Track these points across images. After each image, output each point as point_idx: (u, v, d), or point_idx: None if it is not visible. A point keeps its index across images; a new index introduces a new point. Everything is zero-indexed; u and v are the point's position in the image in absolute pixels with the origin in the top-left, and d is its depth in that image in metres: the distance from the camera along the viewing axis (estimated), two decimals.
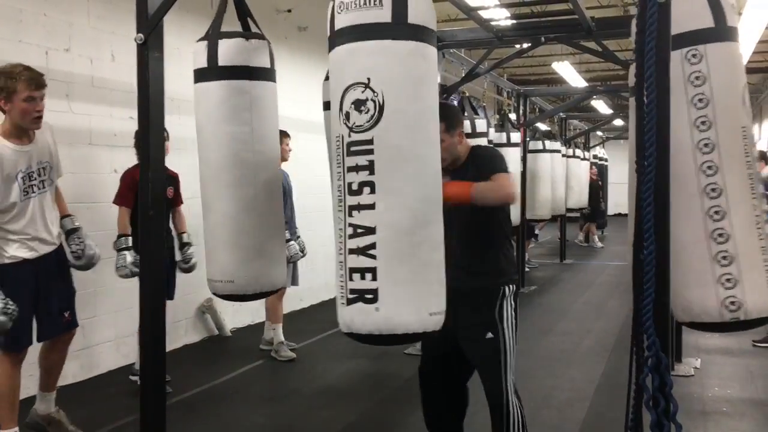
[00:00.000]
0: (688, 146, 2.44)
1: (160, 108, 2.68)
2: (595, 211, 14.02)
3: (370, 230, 2.18)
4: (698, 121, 2.43)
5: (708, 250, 2.42)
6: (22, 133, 3.43)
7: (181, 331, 5.92)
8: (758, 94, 17.90)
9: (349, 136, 2.20)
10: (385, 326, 2.18)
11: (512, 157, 7.88)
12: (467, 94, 6.24)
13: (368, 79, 2.17)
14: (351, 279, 2.19)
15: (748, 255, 2.41)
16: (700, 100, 2.43)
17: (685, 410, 4.33)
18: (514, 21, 6.65)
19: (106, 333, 5.16)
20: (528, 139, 9.32)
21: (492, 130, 7.14)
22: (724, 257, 2.40)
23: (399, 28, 2.21)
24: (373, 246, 2.18)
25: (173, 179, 4.59)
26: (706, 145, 2.42)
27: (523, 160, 8.40)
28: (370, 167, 2.18)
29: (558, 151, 10.24)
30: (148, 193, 2.66)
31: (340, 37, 2.21)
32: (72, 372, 4.76)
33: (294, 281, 5.60)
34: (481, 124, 6.11)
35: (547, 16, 6.43)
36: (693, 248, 2.44)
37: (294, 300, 7.06)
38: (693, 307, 2.49)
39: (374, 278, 2.17)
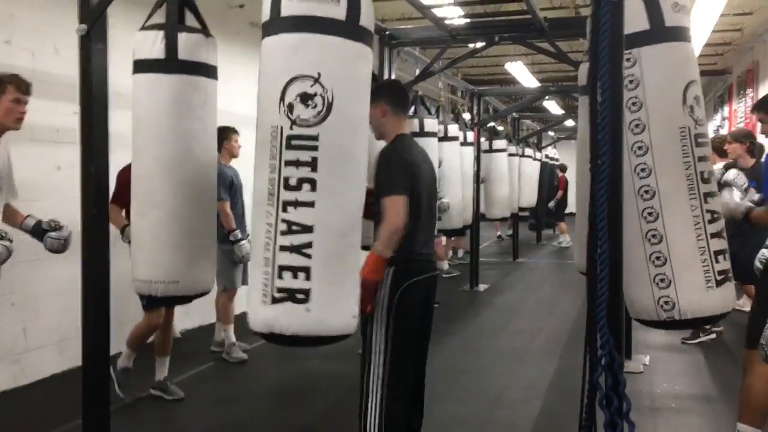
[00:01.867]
0: (625, 147, 2.47)
1: (103, 101, 2.61)
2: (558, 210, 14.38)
3: (307, 228, 2.12)
4: (632, 125, 2.48)
5: (644, 250, 2.47)
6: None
7: (128, 332, 5.75)
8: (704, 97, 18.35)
9: (291, 128, 2.13)
10: (314, 328, 2.14)
11: (467, 157, 7.94)
12: (420, 93, 6.24)
13: (319, 73, 2.13)
14: (280, 277, 2.11)
15: (681, 256, 2.45)
16: (634, 104, 2.47)
17: (634, 407, 4.25)
18: (468, 20, 6.69)
19: (48, 336, 4.99)
20: (483, 139, 9.40)
21: (443, 128, 7.16)
22: (658, 258, 2.46)
23: (352, 28, 2.19)
24: (309, 245, 2.12)
25: None
26: (639, 147, 2.46)
27: (477, 159, 8.45)
28: (312, 164, 2.12)
29: (505, 151, 10.37)
30: (92, 190, 2.56)
31: (286, 24, 2.15)
32: (6, 378, 4.58)
33: (245, 281, 5.49)
34: (430, 124, 6.11)
35: (501, 16, 6.49)
36: (632, 248, 2.48)
37: (245, 300, 6.94)
38: (635, 306, 2.55)
39: (308, 278, 2.12)
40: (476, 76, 14.52)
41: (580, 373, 2.21)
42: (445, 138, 7.01)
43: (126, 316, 5.36)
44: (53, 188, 4.52)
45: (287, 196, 2.13)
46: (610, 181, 2.08)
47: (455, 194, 7.04)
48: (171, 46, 2.75)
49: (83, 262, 2.63)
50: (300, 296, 2.12)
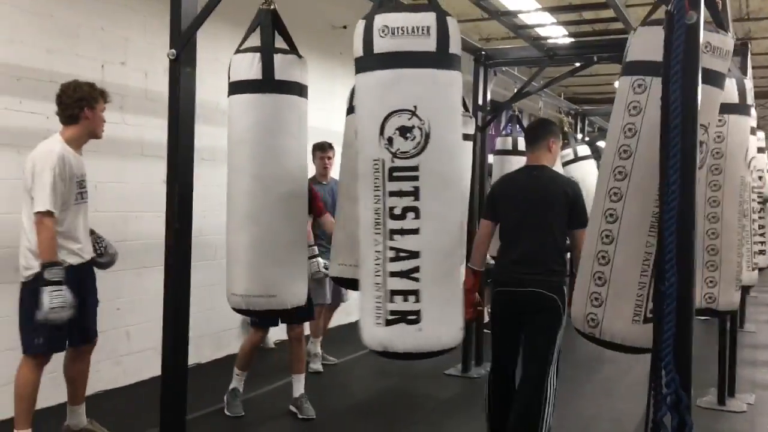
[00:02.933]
0: (608, 169, 2.52)
1: (190, 123, 2.74)
2: None
3: (414, 254, 2.24)
4: (621, 149, 2.47)
5: (591, 267, 2.53)
6: (82, 144, 3.63)
7: (225, 340, 5.99)
8: None
9: (392, 161, 2.23)
10: (426, 344, 2.28)
11: (587, 169, 7.64)
12: (516, 112, 6.16)
13: (415, 106, 2.21)
14: (392, 301, 2.25)
15: (621, 283, 2.45)
16: (630, 130, 2.46)
17: None
18: (572, 39, 6.55)
19: (149, 340, 5.27)
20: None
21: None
22: (599, 278, 2.51)
23: (443, 57, 2.25)
24: (416, 269, 2.24)
25: None
26: (620, 172, 2.48)
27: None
28: (414, 193, 2.22)
29: None
30: (175, 206, 2.70)
31: (380, 61, 2.23)
32: (108, 378, 4.86)
33: (342, 298, 5.62)
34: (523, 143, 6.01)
35: (604, 35, 6.31)
36: (585, 262, 2.59)
37: (341, 314, 7.07)
38: (575, 313, 2.62)
39: (417, 300, 2.24)
40: (585, 95, 14.16)
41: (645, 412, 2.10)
42: None
43: (202, 330, 5.62)
44: (157, 201, 4.79)
45: (393, 224, 2.24)
46: (680, 212, 1.99)
47: None
48: (267, 67, 2.86)
49: (166, 276, 2.76)
50: (412, 317, 2.25)
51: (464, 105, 5.20)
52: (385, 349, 2.31)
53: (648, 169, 2.41)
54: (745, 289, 4.49)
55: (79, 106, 3.52)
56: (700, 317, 3.02)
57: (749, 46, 4.85)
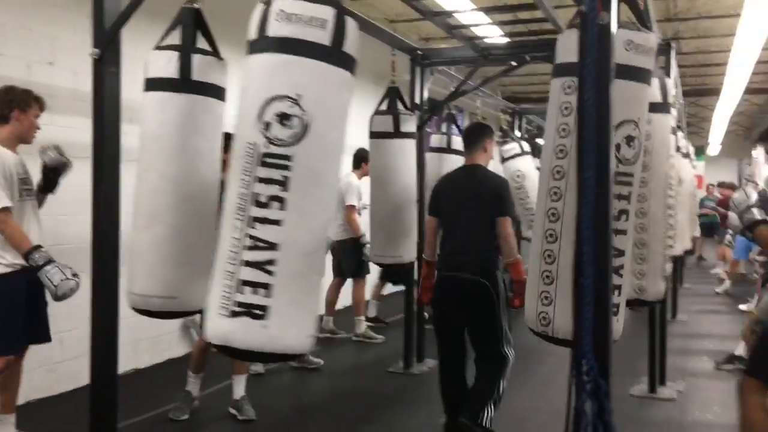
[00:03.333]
0: (547, 168, 2.58)
1: (116, 123, 2.69)
2: None
3: (272, 246, 2.14)
4: (558, 149, 2.54)
5: (539, 266, 2.59)
6: (14, 145, 3.61)
7: (165, 344, 5.90)
8: (764, 114, 17.82)
9: (266, 147, 2.15)
10: (268, 344, 2.15)
11: (528, 164, 7.82)
12: (452, 111, 6.25)
13: (299, 95, 2.16)
14: (240, 291, 2.13)
15: (568, 281, 2.46)
16: (564, 129, 2.53)
17: None
18: (507, 39, 6.67)
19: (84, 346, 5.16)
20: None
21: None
22: (548, 276, 2.57)
23: (336, 53, 2.21)
24: (272, 262, 2.14)
25: None
26: (558, 171, 2.54)
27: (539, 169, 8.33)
28: (284, 183, 2.14)
29: None
30: (101, 208, 2.66)
31: (272, 43, 2.18)
32: (43, 386, 4.74)
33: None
34: (458, 141, 6.12)
35: (539, 35, 6.44)
36: (533, 262, 2.64)
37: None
38: (528, 314, 2.68)
39: (268, 294, 2.13)
40: (524, 94, 14.44)
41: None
42: None
43: (143, 333, 5.53)
44: (89, 203, 4.68)
45: (256, 212, 2.14)
46: (597, 207, 2.06)
47: None
48: (185, 66, 2.81)
49: (93, 279, 2.71)
50: (258, 312, 2.13)
51: (404, 103, 5.27)
52: (225, 343, 2.17)
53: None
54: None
55: (9, 107, 3.53)
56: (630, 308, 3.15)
57: (672, 45, 5.05)
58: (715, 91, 12.72)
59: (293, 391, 5.22)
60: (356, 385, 5.41)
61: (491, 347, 3.83)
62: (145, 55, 2.86)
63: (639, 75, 2.62)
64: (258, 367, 5.45)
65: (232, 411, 4.44)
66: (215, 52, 2.97)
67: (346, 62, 2.23)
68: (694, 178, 9.77)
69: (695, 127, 18.33)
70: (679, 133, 6.54)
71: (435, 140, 6.33)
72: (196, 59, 2.84)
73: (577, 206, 2.09)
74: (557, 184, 2.52)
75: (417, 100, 5.58)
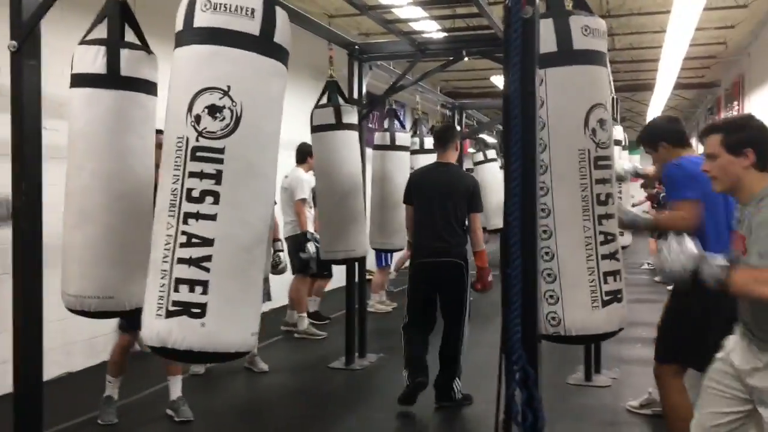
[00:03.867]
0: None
1: (35, 120, 2.61)
2: None
3: (208, 242, 2.09)
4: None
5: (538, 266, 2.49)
6: None
7: (99, 346, 5.73)
8: (694, 109, 18.44)
9: (197, 140, 2.11)
10: (208, 343, 2.10)
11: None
12: (394, 106, 6.27)
13: (228, 86, 2.13)
14: (176, 290, 2.08)
15: (571, 274, 2.48)
16: (538, 123, 2.45)
17: (595, 421, 4.39)
18: (445, 34, 6.71)
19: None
20: (474, 151, 9.39)
21: (429, 141, 7.21)
22: (549, 274, 2.50)
23: (265, 43, 2.18)
24: (208, 258, 2.09)
25: None
26: (540, 166, 2.44)
27: (469, 170, 8.46)
28: (216, 177, 2.10)
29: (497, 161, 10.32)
30: (21, 208, 2.57)
31: (199, 35, 2.14)
32: None
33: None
34: (402, 137, 6.15)
35: (478, 30, 6.50)
36: None
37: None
38: None
39: (205, 292, 2.08)
40: (465, 89, 14.58)
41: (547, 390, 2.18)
42: (421, 151, 7.04)
43: (74, 336, 5.38)
44: None
45: (189, 207, 2.09)
46: (523, 198, 2.09)
47: None
48: (113, 61, 2.74)
49: (14, 281, 2.61)
50: (195, 310, 2.07)
51: (343, 96, 5.25)
52: (163, 344, 2.10)
53: (568, 158, 2.45)
54: None
55: None
56: None
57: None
58: (648, 86, 13.08)
59: (234, 391, 5.15)
60: (298, 382, 5.37)
61: (458, 317, 4.49)
62: (71, 48, 2.77)
63: (599, 59, 2.63)
64: (198, 368, 5.36)
65: (169, 412, 4.35)
66: (144, 46, 2.90)
67: (277, 52, 2.20)
68: None
69: (631, 121, 18.83)
70: (618, 127, 6.71)
71: (378, 137, 6.34)
72: (125, 54, 2.77)
73: (504, 198, 2.12)
74: (542, 179, 2.44)
75: (355, 95, 5.56)
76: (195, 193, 2.09)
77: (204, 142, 2.11)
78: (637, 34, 10.36)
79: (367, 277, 6.63)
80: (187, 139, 2.11)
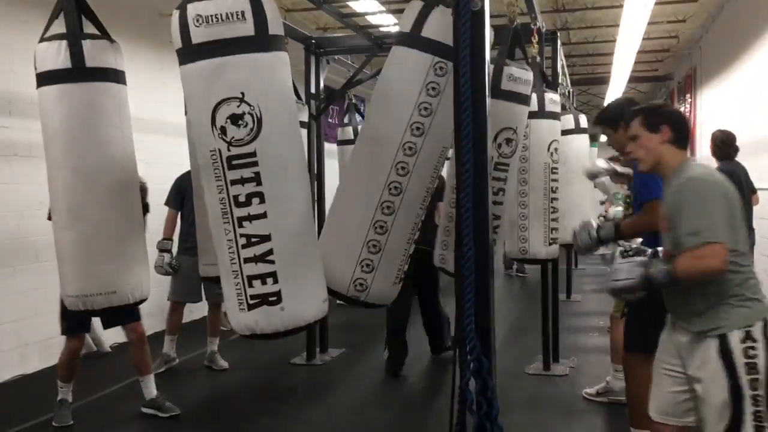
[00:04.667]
0: (396, 142, 2.66)
1: None
2: None
3: (265, 238, 2.25)
4: (414, 126, 2.63)
5: (365, 235, 2.71)
6: None
7: (54, 347, 5.60)
8: (649, 102, 18.75)
9: (228, 150, 2.20)
10: (290, 322, 2.31)
11: None
12: (353, 100, 6.27)
13: (242, 93, 2.19)
14: (251, 285, 2.26)
15: (393, 251, 2.73)
16: (426, 109, 2.62)
17: (553, 409, 4.46)
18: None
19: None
20: None
21: None
22: (374, 245, 2.72)
23: (263, 40, 2.23)
24: (270, 252, 2.25)
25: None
26: (410, 148, 2.64)
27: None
28: (256, 178, 2.22)
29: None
30: None
31: (199, 51, 2.18)
32: None
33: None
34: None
35: None
36: (353, 229, 2.77)
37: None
38: (333, 275, 2.72)
39: (275, 281, 2.27)
40: None
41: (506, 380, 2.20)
42: None
43: (29, 338, 5.27)
44: None
45: (240, 212, 2.23)
46: (475, 190, 2.10)
47: None
48: (76, 54, 2.69)
49: None
50: (272, 299, 2.27)
51: (296, 93, 5.22)
52: (253, 331, 2.33)
53: (437, 147, 2.56)
54: (545, 263, 5.01)
55: None
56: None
57: (557, 35, 5.24)
58: (604, 80, 13.30)
59: (195, 388, 5.10)
60: (259, 378, 5.35)
61: (433, 285, 5.48)
62: (18, 45, 2.71)
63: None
64: (156, 364, 5.29)
65: (149, 411, 4.31)
66: (105, 35, 2.85)
67: (275, 44, 2.26)
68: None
69: (588, 114, 19.11)
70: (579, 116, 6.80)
71: (341, 133, 6.33)
72: (87, 45, 2.73)
73: (456, 192, 2.13)
74: (406, 160, 2.63)
75: (312, 90, 5.54)
76: (241, 198, 2.23)
77: (235, 151, 2.21)
78: (592, 28, 10.52)
79: None
80: (220, 151, 2.22)
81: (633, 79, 12.84)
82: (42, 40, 2.76)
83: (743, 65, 8.27)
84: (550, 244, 4.46)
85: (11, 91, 2.75)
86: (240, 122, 2.20)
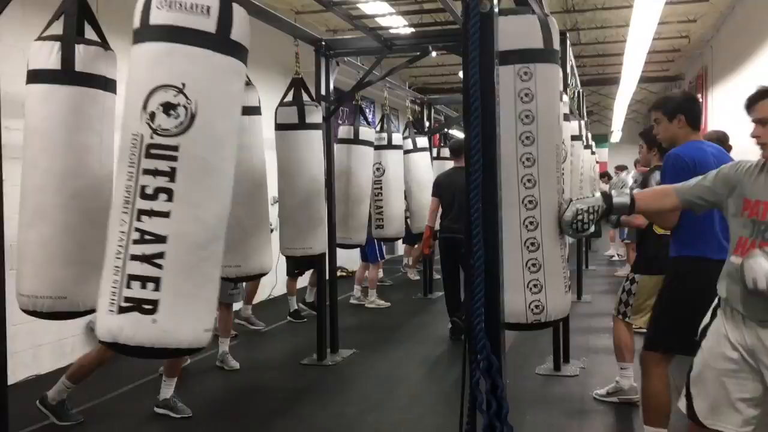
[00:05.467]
0: (512, 159, 2.52)
1: None
2: None
3: (161, 238, 2.10)
4: (523, 136, 2.51)
5: (521, 256, 2.51)
6: None
7: (68, 348, 5.67)
8: None
9: (151, 137, 2.12)
10: (159, 340, 2.11)
11: (423, 161, 8.03)
12: (359, 102, 6.29)
13: (183, 84, 2.13)
14: (128, 286, 2.09)
15: (551, 263, 2.52)
16: (527, 116, 2.50)
17: (564, 410, 4.46)
18: (413, 30, 6.74)
19: None
20: (443, 145, 9.46)
21: (396, 136, 7.27)
22: (534, 264, 2.51)
23: (222, 41, 2.18)
24: (161, 255, 2.10)
25: None
26: (528, 159, 2.49)
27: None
28: (170, 174, 2.11)
29: None
30: None
31: (154, 32, 2.14)
32: None
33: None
34: (366, 132, 6.18)
35: (445, 25, 6.54)
36: (510, 254, 2.51)
37: None
38: (512, 309, 2.55)
39: (157, 288, 2.09)
40: (434, 84, 14.63)
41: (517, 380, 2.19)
42: (389, 146, 7.07)
43: (42, 338, 5.31)
44: None
45: (142, 204, 2.11)
46: (484, 190, 2.12)
47: (397, 203, 7.13)
48: (67, 57, 2.71)
49: None
50: (147, 306, 2.09)
51: (309, 94, 5.25)
52: (115, 339, 2.12)
53: (550, 150, 2.50)
54: None
55: None
56: None
57: (567, 35, 5.24)
58: (614, 80, 13.26)
59: (205, 389, 5.13)
60: (269, 379, 5.37)
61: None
62: (25, 46, 2.74)
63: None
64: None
65: (161, 411, 4.34)
66: (102, 42, 2.88)
67: (234, 50, 2.21)
68: (595, 165, 10.19)
69: (599, 115, 19.07)
70: (581, 122, 6.79)
71: (342, 131, 6.35)
72: (80, 49, 2.75)
73: (466, 192, 2.15)
74: (530, 172, 2.46)
75: (323, 91, 5.56)
76: (149, 190, 2.10)
77: (158, 140, 2.11)
78: (602, 28, 10.50)
79: (340, 273, 6.67)
80: (142, 137, 2.12)
81: (644, 80, 12.79)
82: (38, 38, 2.78)
83: (754, 65, 8.23)
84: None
85: (22, 93, 2.78)
86: (172, 112, 2.11)
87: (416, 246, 9.65)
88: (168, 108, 2.11)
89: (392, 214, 7.03)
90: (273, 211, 5.54)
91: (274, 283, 8.24)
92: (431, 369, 5.54)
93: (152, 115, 2.11)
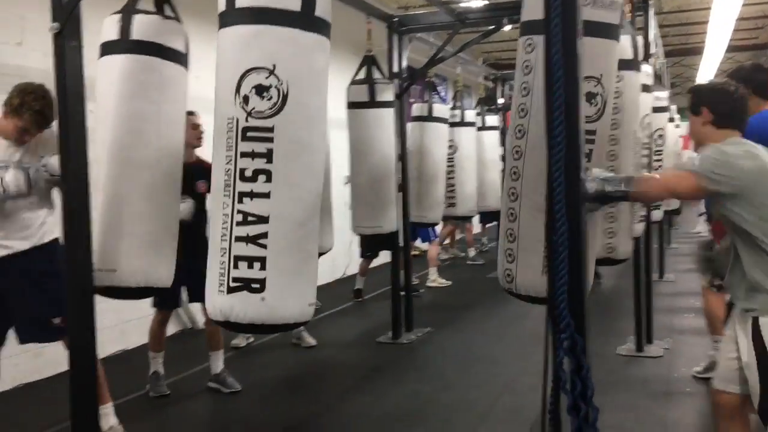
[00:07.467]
0: (512, 128, 2.52)
1: (79, 100, 2.63)
2: None
3: (263, 219, 2.14)
4: (519, 108, 2.48)
5: (504, 224, 2.56)
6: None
7: (130, 332, 5.84)
8: None
9: (246, 120, 2.15)
10: (268, 316, 2.17)
11: (490, 139, 7.92)
12: (431, 79, 6.21)
13: (273, 65, 2.15)
14: (236, 267, 2.15)
15: (527, 237, 2.50)
16: (525, 89, 2.46)
17: (649, 391, 4.32)
18: (486, 2, 6.58)
19: None
20: None
21: (469, 113, 7.17)
22: (510, 234, 2.54)
23: (307, 19, 2.18)
24: (264, 235, 2.14)
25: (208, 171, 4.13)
26: (520, 131, 2.47)
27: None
28: (267, 155, 2.14)
29: None
30: (70, 187, 2.61)
31: (241, 15, 2.15)
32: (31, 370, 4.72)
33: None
34: (439, 109, 6.09)
35: None
36: (501, 220, 2.62)
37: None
38: (498, 271, 2.64)
39: (263, 267, 2.14)
40: (508, 59, 14.34)
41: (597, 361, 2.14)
42: (462, 123, 6.97)
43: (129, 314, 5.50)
44: None
45: (243, 187, 2.14)
46: (567, 162, 2.03)
47: (469, 181, 7.03)
48: (124, 26, 2.71)
49: (66, 261, 2.66)
50: (255, 286, 2.15)
51: (381, 71, 5.21)
52: (226, 318, 2.20)
53: (540, 126, 2.45)
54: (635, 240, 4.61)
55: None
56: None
57: (650, 3, 5.00)
58: (698, 50, 12.67)
59: (281, 365, 5.22)
60: (345, 356, 5.42)
61: None
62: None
63: (599, 30, 2.52)
64: (239, 340, 5.45)
65: (213, 385, 4.45)
66: (161, 12, 2.84)
67: (319, 26, 2.21)
68: (678, 139, 9.77)
69: (681, 87, 18.28)
70: (664, 93, 6.51)
71: (416, 109, 6.30)
72: (137, 19, 2.72)
73: (547, 165, 2.07)
74: (519, 143, 2.47)
75: (395, 69, 5.51)
76: (248, 173, 2.14)
77: (253, 122, 2.14)
78: None
79: (413, 253, 6.65)
80: (237, 120, 2.15)
81: (731, 48, 12.16)
82: (113, 14, 2.80)
83: None
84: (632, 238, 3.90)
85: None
86: (265, 94, 2.14)
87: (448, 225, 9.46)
88: (261, 90, 2.14)
89: (465, 192, 6.94)
90: (345, 191, 5.57)
91: (347, 263, 8.30)
92: (507, 347, 5.46)
93: (246, 98, 2.14)
